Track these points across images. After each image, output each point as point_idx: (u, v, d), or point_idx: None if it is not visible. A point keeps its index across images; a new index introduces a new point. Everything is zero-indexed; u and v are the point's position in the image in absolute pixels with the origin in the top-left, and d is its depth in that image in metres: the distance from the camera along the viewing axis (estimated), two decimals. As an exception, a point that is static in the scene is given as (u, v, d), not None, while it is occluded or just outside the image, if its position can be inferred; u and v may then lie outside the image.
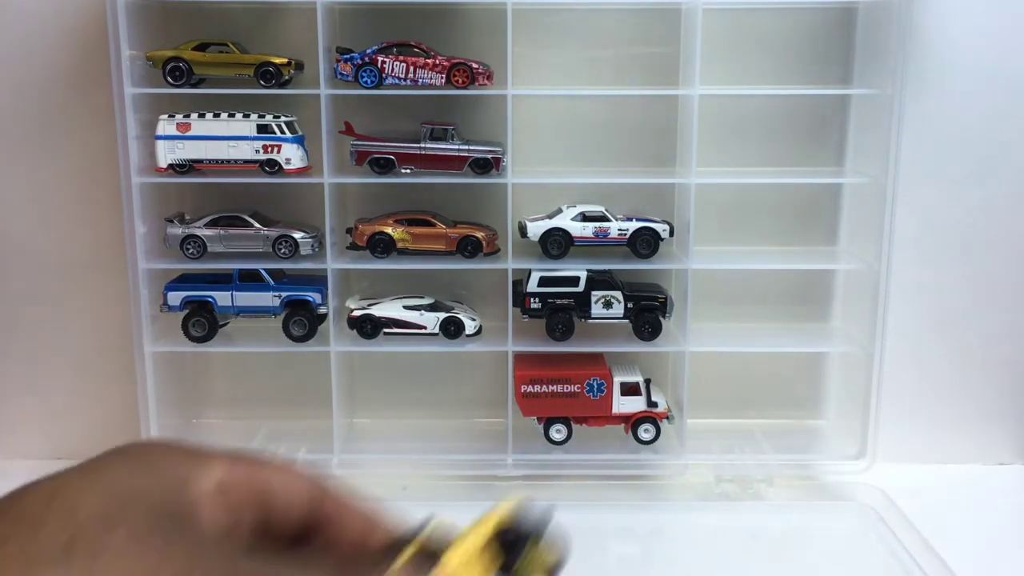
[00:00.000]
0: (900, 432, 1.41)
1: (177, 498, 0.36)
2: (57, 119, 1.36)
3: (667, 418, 1.36)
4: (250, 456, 0.41)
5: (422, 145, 1.31)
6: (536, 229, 1.32)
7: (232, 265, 1.32)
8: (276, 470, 0.41)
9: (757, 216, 1.41)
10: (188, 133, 1.27)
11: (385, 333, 1.35)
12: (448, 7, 1.34)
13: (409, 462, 1.37)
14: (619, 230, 1.32)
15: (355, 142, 1.32)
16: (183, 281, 1.34)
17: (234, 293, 1.33)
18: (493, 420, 1.41)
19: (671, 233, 1.34)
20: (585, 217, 1.33)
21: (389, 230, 1.32)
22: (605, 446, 1.37)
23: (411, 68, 1.27)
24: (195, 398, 1.46)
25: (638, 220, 1.33)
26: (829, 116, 1.38)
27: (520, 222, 1.33)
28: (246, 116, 1.28)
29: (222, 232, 1.31)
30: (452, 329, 1.34)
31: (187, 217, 1.34)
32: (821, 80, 1.36)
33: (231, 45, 1.29)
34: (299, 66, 1.30)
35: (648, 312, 1.34)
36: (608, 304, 1.33)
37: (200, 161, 1.28)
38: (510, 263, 1.32)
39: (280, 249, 1.31)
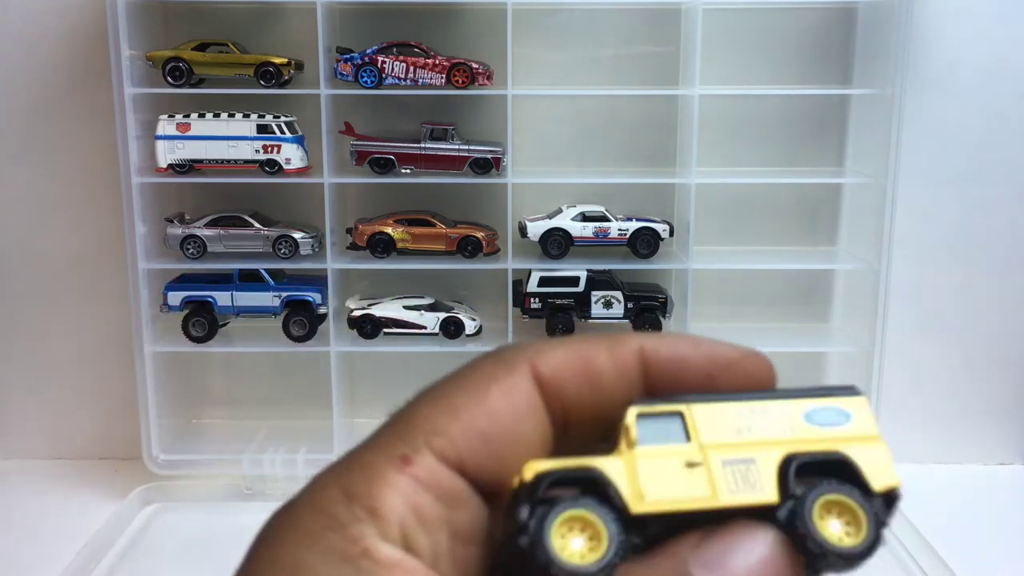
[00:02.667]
0: (900, 432, 1.41)
1: None
2: (57, 119, 1.36)
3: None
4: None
5: (422, 145, 1.31)
6: (536, 229, 1.32)
7: (232, 265, 1.32)
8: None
9: (757, 216, 1.41)
10: (188, 133, 1.27)
11: (385, 333, 1.35)
12: (448, 7, 1.34)
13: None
14: (619, 230, 1.32)
15: (355, 142, 1.32)
16: (183, 281, 1.34)
17: (234, 293, 1.33)
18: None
19: (671, 233, 1.34)
20: (585, 217, 1.33)
21: (389, 230, 1.32)
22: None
23: (411, 68, 1.27)
24: (195, 398, 1.46)
25: (638, 220, 1.33)
26: (829, 116, 1.38)
27: (520, 222, 1.33)
28: (246, 116, 1.28)
29: (222, 232, 1.31)
30: (452, 329, 1.34)
31: (187, 217, 1.34)
32: (821, 80, 1.36)
33: (231, 45, 1.29)
34: (299, 66, 1.30)
35: (648, 312, 1.34)
36: (608, 304, 1.33)
37: (200, 161, 1.28)
38: (510, 263, 1.32)
39: (280, 249, 1.31)
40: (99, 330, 1.43)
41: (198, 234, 1.31)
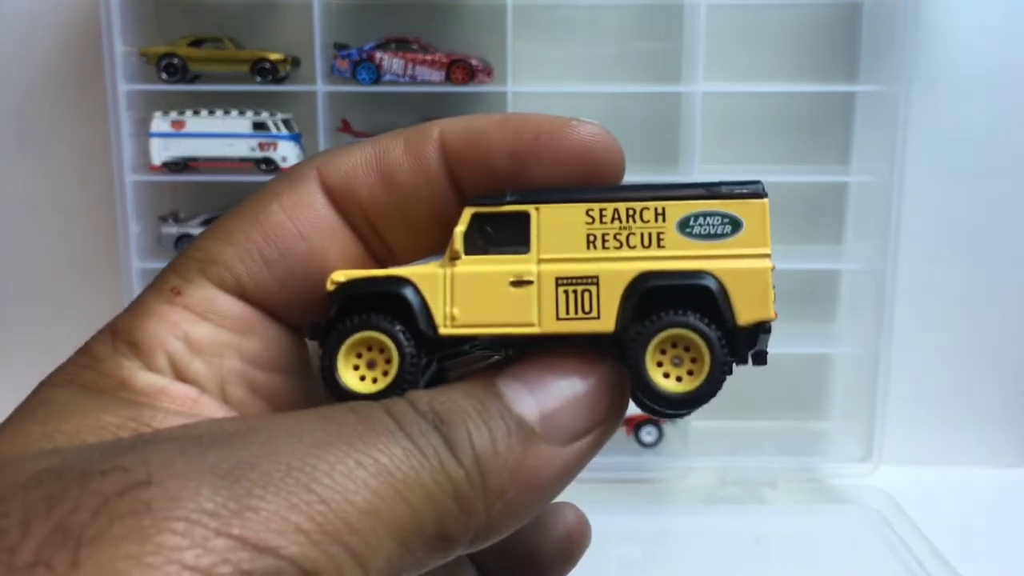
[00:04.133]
0: (906, 434, 1.39)
1: None
2: (49, 116, 1.34)
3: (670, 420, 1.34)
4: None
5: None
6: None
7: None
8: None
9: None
10: (183, 130, 1.26)
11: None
12: (447, 2, 1.32)
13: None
14: (621, 229, 1.30)
15: (353, 140, 1.30)
16: (178, 281, 1.32)
17: (230, 293, 1.31)
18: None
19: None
20: (586, 216, 1.31)
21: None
22: (607, 449, 1.34)
23: (409, 64, 1.25)
24: (190, 399, 1.44)
25: (640, 219, 1.31)
26: (834, 113, 1.37)
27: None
28: (242, 113, 1.26)
29: (217, 231, 1.29)
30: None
31: (181, 216, 1.32)
32: (826, 77, 1.34)
33: (227, 41, 1.28)
34: (295, 62, 1.29)
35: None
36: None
37: (195, 159, 1.27)
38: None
39: (276, 248, 1.29)
40: (92, 330, 1.41)
41: (193, 233, 1.29)
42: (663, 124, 1.35)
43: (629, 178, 1.20)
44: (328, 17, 1.28)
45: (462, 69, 1.25)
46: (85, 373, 0.31)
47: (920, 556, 1.16)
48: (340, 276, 0.31)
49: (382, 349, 0.30)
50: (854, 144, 1.37)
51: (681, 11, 1.31)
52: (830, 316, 1.44)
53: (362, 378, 0.30)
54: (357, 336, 0.30)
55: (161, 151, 1.26)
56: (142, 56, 1.26)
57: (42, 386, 0.32)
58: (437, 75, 1.25)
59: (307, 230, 0.31)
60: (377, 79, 1.25)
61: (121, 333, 0.32)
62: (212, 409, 0.30)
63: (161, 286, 0.32)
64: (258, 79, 1.25)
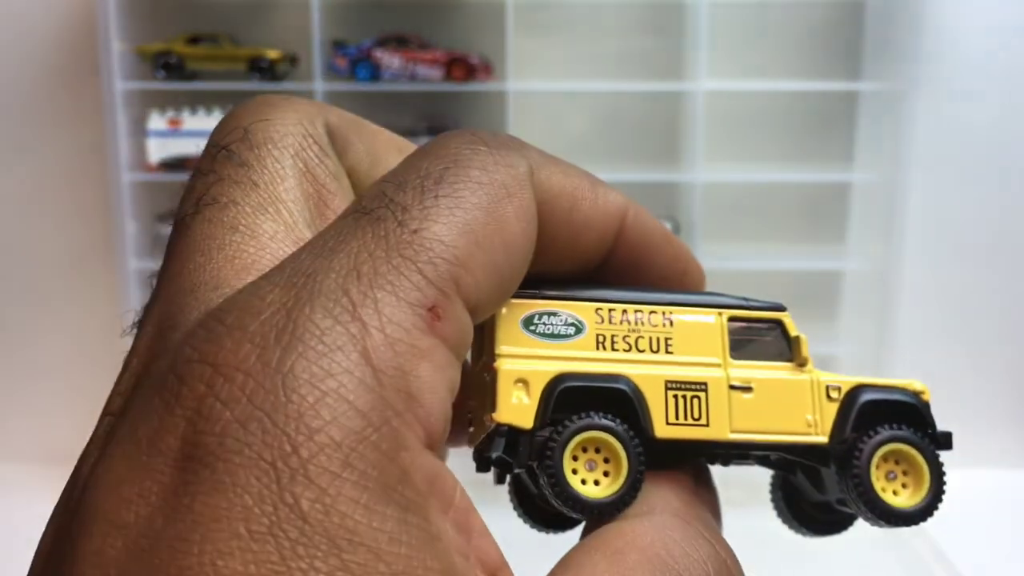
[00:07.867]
0: (910, 435, 1.39)
1: None
2: (44, 115, 1.34)
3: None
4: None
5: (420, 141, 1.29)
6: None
7: (225, 264, 1.30)
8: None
9: (763, 214, 1.39)
10: (179, 129, 1.25)
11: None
12: (446, 0, 1.31)
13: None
14: (622, 228, 1.30)
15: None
16: (175, 281, 1.31)
17: (227, 293, 1.30)
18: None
19: (676, 231, 1.31)
20: (587, 215, 1.30)
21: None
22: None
23: (408, 62, 1.25)
24: (188, 400, 1.44)
25: (641, 218, 1.31)
26: (837, 112, 1.36)
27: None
28: (239, 111, 1.25)
29: (214, 231, 1.29)
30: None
31: (179, 215, 1.31)
32: (829, 74, 1.33)
33: (224, 39, 1.27)
34: (293, 60, 1.28)
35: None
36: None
37: (191, 158, 1.26)
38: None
39: (274, 248, 1.28)
40: (88, 330, 1.41)
41: (190, 233, 1.28)
42: (664, 122, 1.34)
43: (630, 176, 1.18)
44: (326, 14, 1.27)
45: (461, 67, 1.24)
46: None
47: (926, 560, 1.15)
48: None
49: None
50: (857, 143, 1.36)
51: (683, 8, 1.31)
52: (832, 316, 1.43)
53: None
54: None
55: (158, 150, 1.25)
56: (138, 54, 1.25)
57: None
58: (436, 73, 1.24)
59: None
60: (375, 77, 1.24)
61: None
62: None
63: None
64: (256, 77, 1.24)
